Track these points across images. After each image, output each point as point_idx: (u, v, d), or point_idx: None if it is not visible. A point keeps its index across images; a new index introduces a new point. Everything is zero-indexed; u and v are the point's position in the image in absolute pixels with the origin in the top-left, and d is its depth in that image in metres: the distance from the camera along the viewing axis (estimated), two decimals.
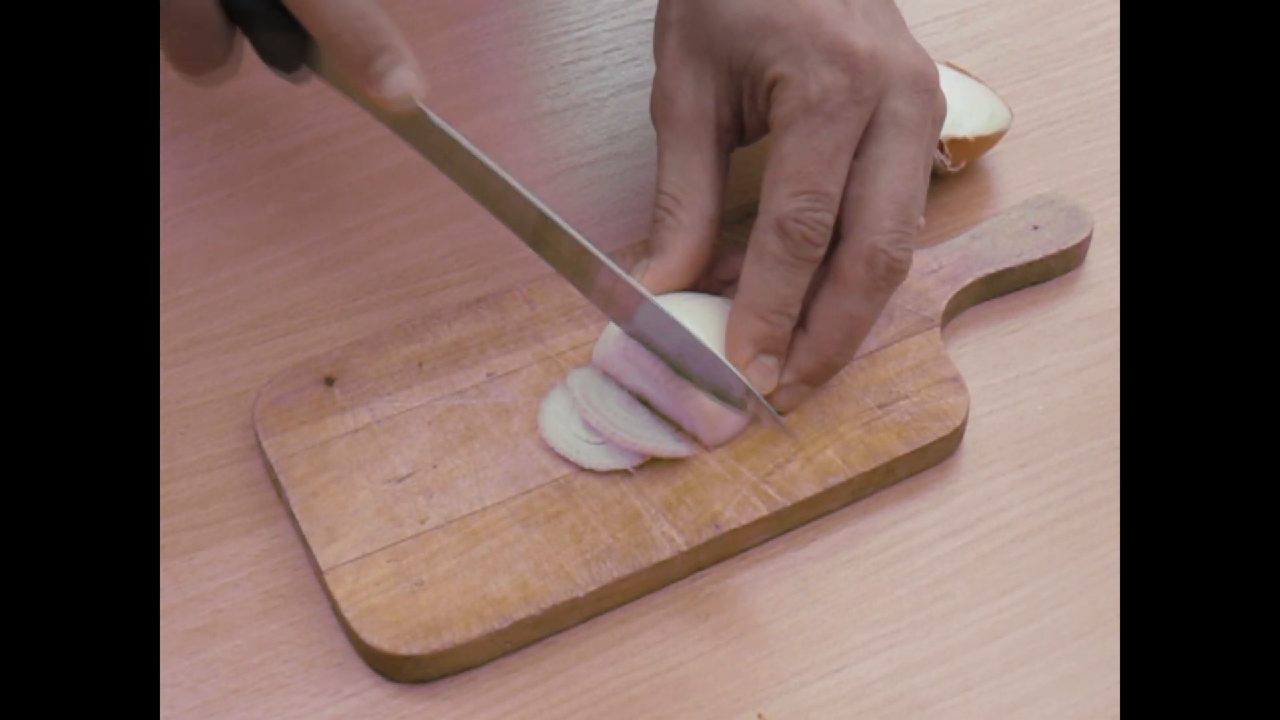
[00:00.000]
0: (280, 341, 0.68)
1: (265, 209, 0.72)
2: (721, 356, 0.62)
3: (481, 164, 0.61)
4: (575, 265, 0.63)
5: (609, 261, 0.62)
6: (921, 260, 0.69)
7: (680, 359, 0.62)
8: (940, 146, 0.71)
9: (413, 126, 0.61)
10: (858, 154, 0.63)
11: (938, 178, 0.72)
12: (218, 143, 0.75)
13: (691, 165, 0.65)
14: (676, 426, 0.63)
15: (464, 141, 0.61)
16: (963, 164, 0.72)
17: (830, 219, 0.62)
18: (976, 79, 0.74)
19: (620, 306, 0.63)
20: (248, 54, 0.62)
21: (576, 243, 0.62)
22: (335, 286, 0.70)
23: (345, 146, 0.75)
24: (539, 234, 0.62)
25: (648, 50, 0.77)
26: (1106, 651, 0.61)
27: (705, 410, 0.63)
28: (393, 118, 0.61)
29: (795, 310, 0.63)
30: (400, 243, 0.71)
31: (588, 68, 0.78)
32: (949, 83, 0.69)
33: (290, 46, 0.61)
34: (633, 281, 0.62)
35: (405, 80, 0.59)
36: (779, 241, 0.62)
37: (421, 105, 0.60)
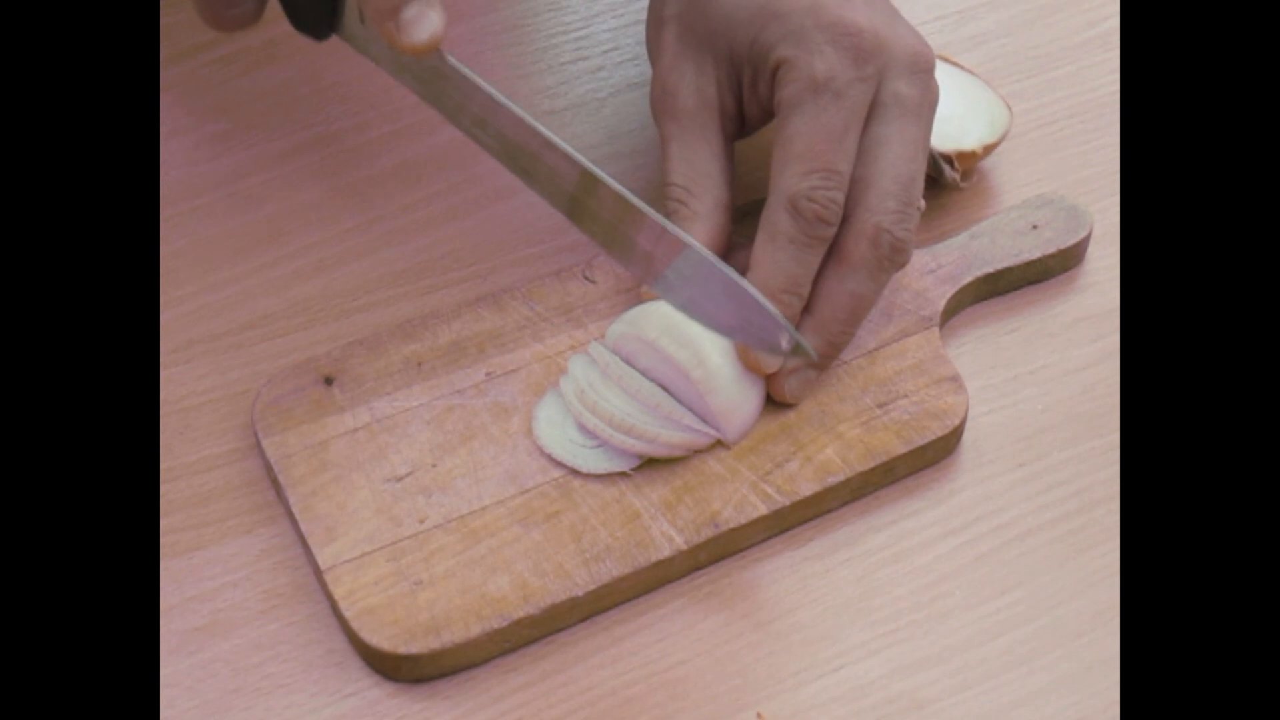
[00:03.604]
0: (280, 341, 0.68)
1: (265, 209, 0.72)
2: (765, 303, 0.60)
3: (511, 114, 0.60)
4: (613, 227, 0.61)
5: (651, 212, 0.61)
6: (921, 259, 0.69)
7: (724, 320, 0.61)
8: (950, 162, 0.71)
9: (433, 76, 0.60)
10: (861, 134, 0.63)
11: (940, 186, 0.72)
12: (218, 143, 0.75)
13: (699, 155, 0.66)
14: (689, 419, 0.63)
15: (491, 90, 0.60)
16: (973, 178, 0.72)
17: (841, 197, 0.62)
18: (970, 72, 0.74)
19: (661, 260, 0.61)
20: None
21: (619, 197, 0.60)
22: (335, 286, 0.70)
23: (345, 146, 0.75)
24: (577, 197, 0.61)
25: (646, 49, 0.77)
26: (1106, 651, 0.61)
27: (724, 402, 0.63)
28: (414, 66, 0.60)
29: (806, 290, 0.63)
30: (400, 243, 0.71)
31: (587, 67, 0.78)
32: (946, 82, 0.69)
33: (319, 4, 0.61)
34: (675, 230, 0.61)
35: (431, 25, 0.58)
36: (791, 221, 0.62)
37: (446, 55, 0.59)
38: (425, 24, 0.58)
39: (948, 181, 0.71)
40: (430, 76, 0.61)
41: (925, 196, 0.66)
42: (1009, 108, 0.73)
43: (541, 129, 0.60)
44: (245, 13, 0.61)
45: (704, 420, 0.63)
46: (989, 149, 0.72)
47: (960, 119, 0.72)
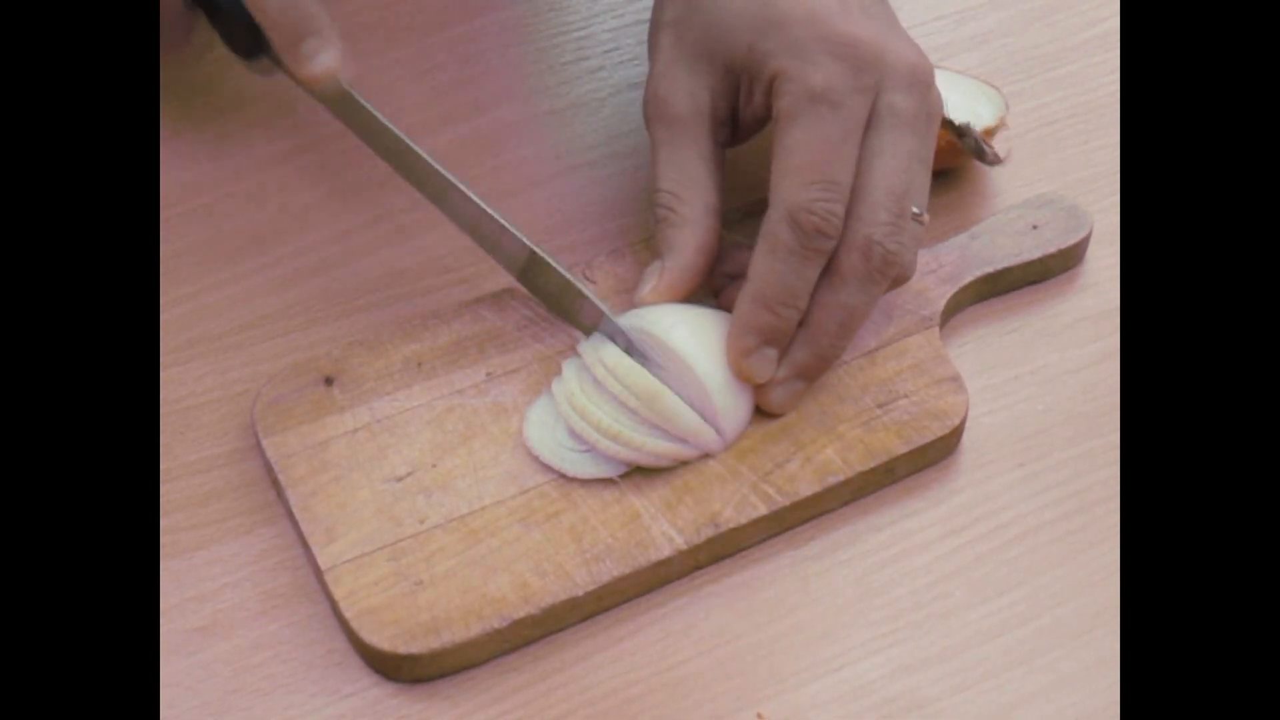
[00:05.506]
0: (280, 341, 0.68)
1: (265, 209, 0.72)
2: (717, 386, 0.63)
3: (411, 150, 0.66)
4: (561, 301, 0.66)
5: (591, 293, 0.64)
6: (921, 260, 0.69)
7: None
8: (983, 141, 0.70)
9: (344, 107, 0.66)
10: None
11: (943, 175, 0.71)
12: (218, 143, 0.75)
13: (688, 160, 0.65)
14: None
15: (389, 124, 0.65)
16: (1008, 151, 0.72)
17: (841, 209, 0.62)
18: (949, 69, 0.74)
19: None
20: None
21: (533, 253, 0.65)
22: (335, 286, 0.70)
23: (345, 146, 0.74)
24: (528, 267, 0.66)
25: (646, 50, 0.77)
26: (1106, 651, 0.61)
27: (715, 407, 0.62)
28: (322, 98, 0.66)
29: (803, 304, 0.63)
30: (400, 243, 0.71)
31: (587, 68, 0.78)
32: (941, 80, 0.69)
33: (246, 35, 0.65)
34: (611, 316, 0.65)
35: (326, 61, 0.64)
36: (791, 233, 0.62)
37: (348, 86, 0.65)
38: (321, 58, 0.64)
39: (990, 159, 0.71)
40: (344, 108, 0.66)
41: (932, 194, 0.66)
42: (995, 88, 0.74)
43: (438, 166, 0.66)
44: (172, 42, 0.66)
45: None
46: (1002, 122, 0.72)
47: (964, 107, 0.72)
